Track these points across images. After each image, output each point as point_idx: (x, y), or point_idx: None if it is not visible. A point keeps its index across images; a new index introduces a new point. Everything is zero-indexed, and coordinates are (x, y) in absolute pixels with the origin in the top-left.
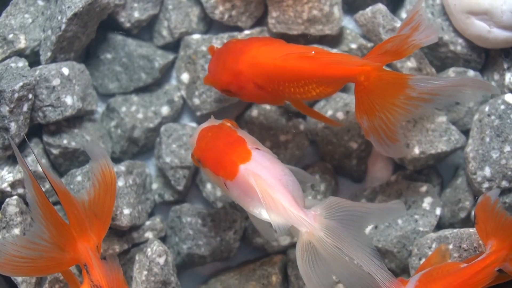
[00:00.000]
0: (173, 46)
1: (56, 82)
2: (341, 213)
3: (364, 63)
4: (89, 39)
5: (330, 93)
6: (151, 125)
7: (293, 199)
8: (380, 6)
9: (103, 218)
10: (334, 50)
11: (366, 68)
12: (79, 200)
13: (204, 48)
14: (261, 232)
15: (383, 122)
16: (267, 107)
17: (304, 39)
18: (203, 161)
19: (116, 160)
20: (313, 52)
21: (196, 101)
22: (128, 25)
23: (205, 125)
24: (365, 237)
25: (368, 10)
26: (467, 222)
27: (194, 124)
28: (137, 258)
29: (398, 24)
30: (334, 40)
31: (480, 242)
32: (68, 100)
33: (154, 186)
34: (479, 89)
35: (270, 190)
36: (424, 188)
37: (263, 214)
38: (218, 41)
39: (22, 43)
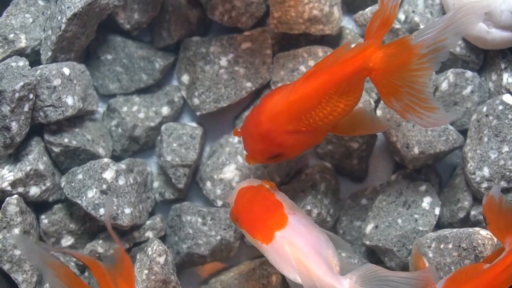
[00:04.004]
0: (173, 47)
1: (57, 82)
2: (377, 282)
3: (362, 47)
4: (89, 40)
5: (356, 99)
6: (152, 124)
7: (327, 266)
8: None
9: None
10: None
11: (367, 52)
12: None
13: (203, 50)
14: None
15: (411, 95)
16: None
17: (306, 38)
18: (240, 222)
19: (117, 158)
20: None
21: (196, 101)
22: (128, 26)
23: (244, 184)
24: None
25: (368, 10)
26: (466, 222)
27: (194, 124)
28: (138, 257)
29: (397, 25)
30: (334, 40)
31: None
32: (69, 100)
33: (156, 184)
34: (476, 13)
35: (305, 258)
36: (423, 187)
37: (299, 279)
38: (217, 42)
39: (22, 42)
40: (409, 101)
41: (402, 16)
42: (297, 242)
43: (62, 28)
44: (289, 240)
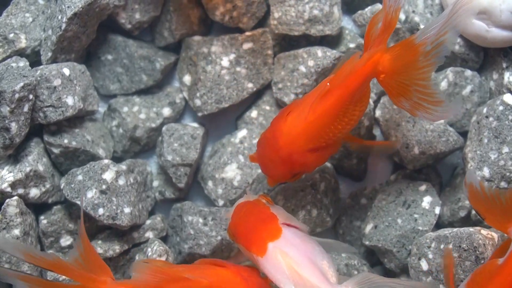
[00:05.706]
0: (175, 47)
1: (57, 82)
2: None
3: (370, 55)
4: (89, 40)
5: (367, 102)
6: (153, 125)
7: (322, 275)
8: (379, 6)
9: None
10: (334, 51)
11: (374, 59)
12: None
13: (205, 50)
14: None
15: (419, 92)
16: (267, 107)
17: (306, 39)
18: (236, 237)
19: (118, 159)
20: (328, 84)
21: (198, 102)
22: (129, 26)
23: (241, 200)
24: None
25: (367, 10)
26: (466, 221)
27: (195, 124)
28: (137, 258)
29: (397, 24)
30: (334, 40)
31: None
32: (69, 100)
33: (155, 183)
34: (470, 6)
35: (298, 268)
36: (423, 187)
37: None
38: (219, 42)
39: (22, 42)
40: (417, 99)
41: (402, 16)
42: (290, 252)
43: (63, 27)
44: (282, 250)
